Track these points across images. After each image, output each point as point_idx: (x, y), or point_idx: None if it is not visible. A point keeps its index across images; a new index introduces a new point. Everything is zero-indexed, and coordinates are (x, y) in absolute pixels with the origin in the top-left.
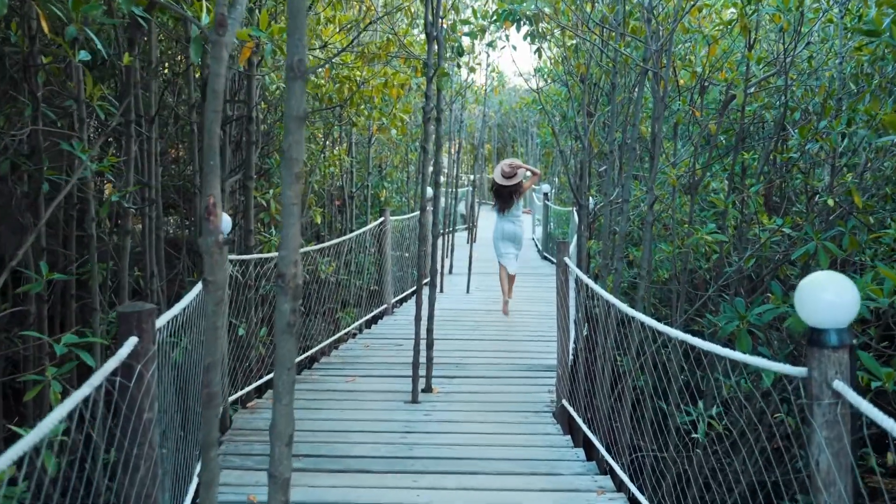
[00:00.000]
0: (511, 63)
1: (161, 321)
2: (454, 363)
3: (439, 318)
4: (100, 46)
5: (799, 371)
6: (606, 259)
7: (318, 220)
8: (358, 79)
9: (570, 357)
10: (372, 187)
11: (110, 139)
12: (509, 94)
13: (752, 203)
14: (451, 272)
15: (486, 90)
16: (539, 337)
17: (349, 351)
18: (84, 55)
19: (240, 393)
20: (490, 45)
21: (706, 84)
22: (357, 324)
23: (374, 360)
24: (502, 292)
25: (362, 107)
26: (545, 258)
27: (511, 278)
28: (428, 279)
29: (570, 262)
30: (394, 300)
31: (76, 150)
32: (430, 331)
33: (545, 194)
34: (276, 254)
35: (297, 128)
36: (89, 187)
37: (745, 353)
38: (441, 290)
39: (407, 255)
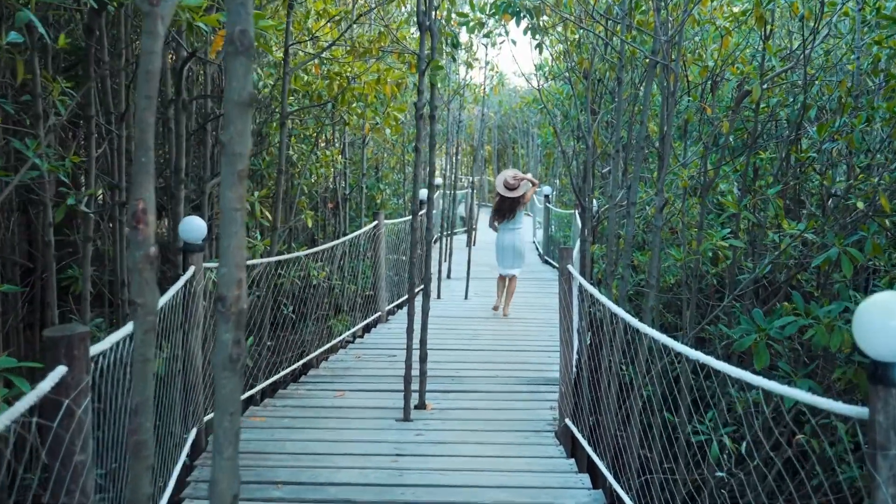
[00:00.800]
0: (511, 62)
1: (100, 347)
2: (450, 376)
3: (435, 327)
4: (40, 28)
5: (859, 412)
6: (611, 265)
7: (310, 223)
8: (349, 75)
9: (574, 371)
10: (367, 189)
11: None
12: (509, 96)
13: (773, 206)
14: (448, 277)
15: (484, 88)
16: (540, 347)
17: (340, 362)
18: (14, 36)
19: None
20: (487, 36)
21: (718, 80)
22: (349, 332)
23: (365, 372)
24: (496, 295)
25: (354, 105)
26: (546, 262)
27: (512, 282)
28: (421, 287)
29: (574, 271)
30: (389, 307)
31: (28, 149)
32: (423, 342)
33: (546, 196)
34: (260, 260)
35: (239, 115)
36: (45, 189)
37: (762, 368)
38: (438, 297)
39: (404, 258)
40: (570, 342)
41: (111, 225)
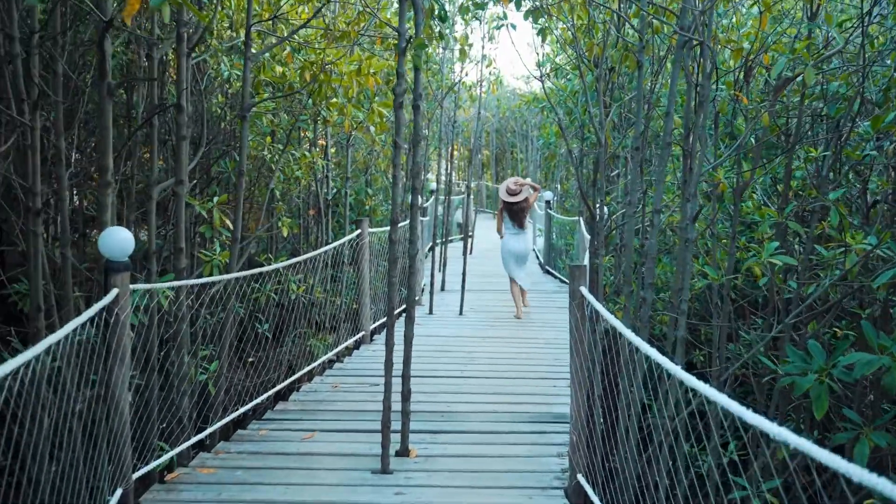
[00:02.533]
0: (510, 64)
1: None
2: (440, 411)
3: (425, 349)
4: None
5: None
6: (626, 283)
7: (286, 231)
8: (324, 62)
9: (587, 418)
10: (355, 194)
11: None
12: (508, 98)
13: (834, 214)
14: (443, 289)
15: (480, 84)
16: (545, 373)
17: (313, 393)
18: None
19: (156, 462)
20: (478, 6)
21: (753, 65)
22: (326, 357)
23: (341, 405)
24: (515, 305)
25: (334, 100)
26: (548, 272)
27: (523, 292)
28: (403, 308)
29: (589, 294)
30: (374, 325)
31: None
32: (405, 378)
33: (547, 202)
34: (218, 277)
35: None
36: None
37: (822, 414)
38: (430, 311)
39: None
40: (583, 383)
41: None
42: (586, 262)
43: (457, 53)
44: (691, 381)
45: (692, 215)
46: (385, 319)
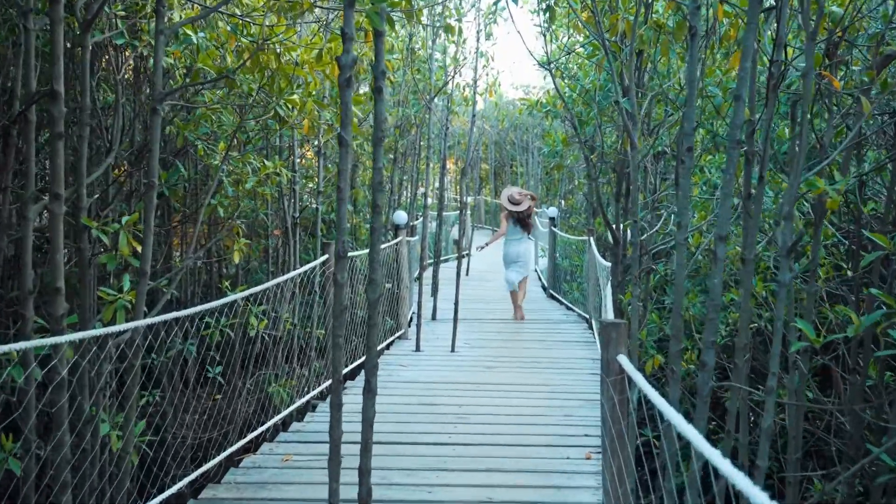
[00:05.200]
0: (508, 74)
1: None
2: (418, 501)
3: (408, 400)
4: None
5: None
6: (676, 340)
7: (237, 258)
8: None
9: None
10: (332, 210)
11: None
12: (507, 110)
13: None
14: (434, 317)
15: (475, 79)
16: (555, 439)
17: (255, 472)
18: None
19: None
20: None
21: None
22: (280, 417)
23: (288, 491)
24: (513, 307)
25: (294, 96)
26: (552, 297)
27: (523, 283)
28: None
29: (630, 366)
30: (347, 369)
31: None
32: (363, 488)
33: (552, 219)
34: (120, 326)
35: None
36: None
37: None
38: (417, 348)
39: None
40: (619, 496)
41: None
42: (607, 296)
43: (450, 55)
44: None
45: (788, 246)
46: (360, 361)
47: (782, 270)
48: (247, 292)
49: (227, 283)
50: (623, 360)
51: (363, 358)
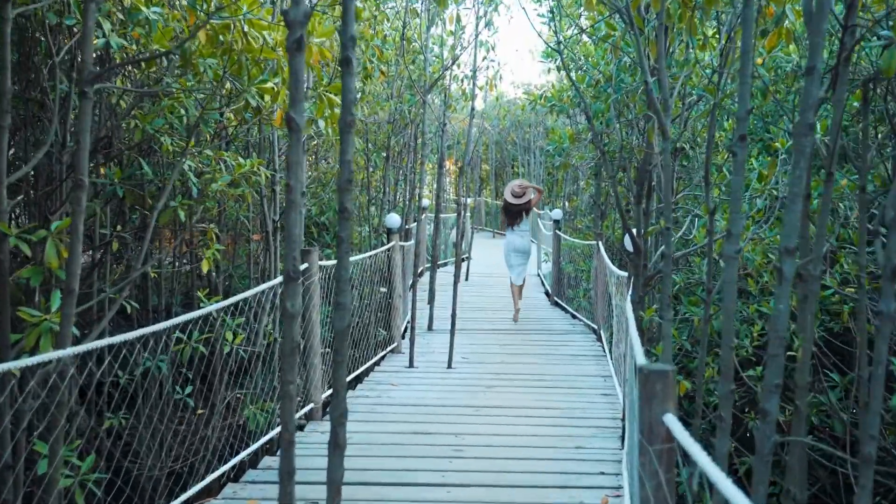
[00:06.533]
0: (510, 73)
1: None
2: None
3: (398, 428)
4: None
5: None
6: (727, 380)
7: (206, 267)
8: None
9: None
10: (320, 213)
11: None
12: (509, 109)
13: None
14: (430, 328)
15: (475, 70)
16: (566, 478)
17: None
18: None
19: None
20: None
21: None
22: (246, 453)
23: None
24: (513, 302)
25: (270, 84)
26: (557, 304)
27: (519, 289)
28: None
29: (688, 437)
30: (326, 394)
31: None
32: None
33: (556, 222)
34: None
35: None
36: None
37: None
38: (411, 364)
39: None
40: None
41: None
42: (630, 323)
43: (447, 46)
44: None
45: (891, 273)
46: (360, 372)
47: (884, 297)
48: (215, 306)
49: (203, 293)
50: (672, 422)
51: (361, 369)
